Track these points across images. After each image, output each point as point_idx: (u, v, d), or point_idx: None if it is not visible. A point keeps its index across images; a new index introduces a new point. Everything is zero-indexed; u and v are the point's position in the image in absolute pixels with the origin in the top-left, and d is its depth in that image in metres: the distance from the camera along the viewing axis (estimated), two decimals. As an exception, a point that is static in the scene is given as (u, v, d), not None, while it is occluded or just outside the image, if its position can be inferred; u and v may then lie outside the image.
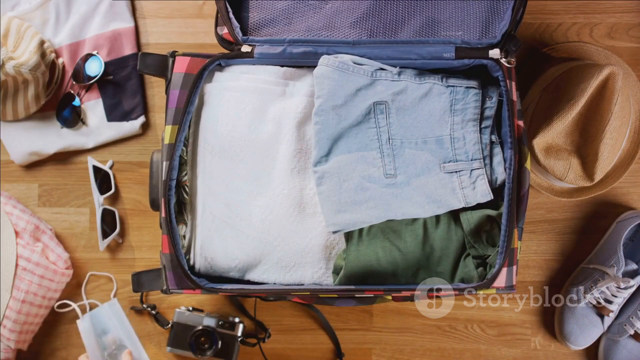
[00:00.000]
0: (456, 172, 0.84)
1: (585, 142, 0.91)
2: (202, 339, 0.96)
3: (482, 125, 0.84)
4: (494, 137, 0.85)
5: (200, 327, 0.96)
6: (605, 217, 1.02)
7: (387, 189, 0.84)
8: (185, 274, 0.82)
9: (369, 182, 0.84)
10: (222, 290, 0.82)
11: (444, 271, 0.86)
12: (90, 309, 1.02)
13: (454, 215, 0.87)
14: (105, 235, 1.01)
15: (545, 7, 1.03)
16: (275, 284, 0.87)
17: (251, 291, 0.83)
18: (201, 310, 1.00)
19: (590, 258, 1.00)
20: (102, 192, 1.01)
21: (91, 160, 1.01)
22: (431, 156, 0.84)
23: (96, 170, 1.01)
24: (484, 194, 0.84)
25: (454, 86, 0.84)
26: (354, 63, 0.84)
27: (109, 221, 1.02)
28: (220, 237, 0.87)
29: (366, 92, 0.84)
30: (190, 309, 0.99)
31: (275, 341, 1.02)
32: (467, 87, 0.84)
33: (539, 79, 0.98)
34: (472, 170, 0.84)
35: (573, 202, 1.02)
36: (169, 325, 0.99)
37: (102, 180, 1.02)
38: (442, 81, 0.84)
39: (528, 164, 0.82)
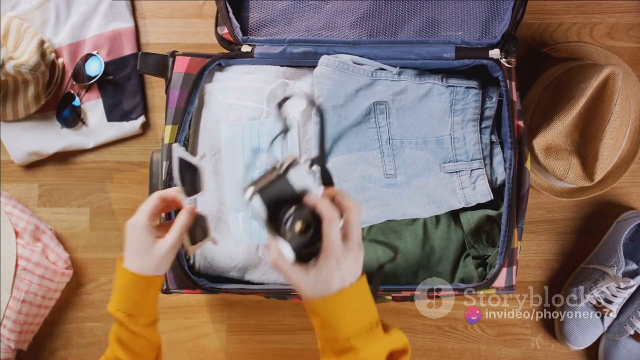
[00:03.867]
0: (456, 172, 0.84)
1: (585, 142, 0.91)
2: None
3: (482, 126, 0.84)
4: (493, 137, 0.85)
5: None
6: (605, 217, 1.01)
7: (387, 189, 0.84)
8: (185, 273, 0.82)
9: (369, 182, 0.84)
10: (222, 290, 0.82)
11: (444, 271, 0.86)
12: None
13: (454, 215, 0.87)
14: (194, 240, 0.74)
15: (545, 7, 1.03)
16: (275, 283, 0.87)
17: (251, 291, 0.83)
18: None
19: (590, 258, 1.00)
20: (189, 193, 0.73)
21: (177, 149, 0.71)
22: (431, 156, 0.84)
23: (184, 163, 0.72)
24: (484, 194, 0.84)
25: (454, 86, 0.84)
26: (354, 63, 0.84)
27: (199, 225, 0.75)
28: (220, 236, 0.87)
29: (366, 92, 0.84)
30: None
31: (275, 341, 1.02)
32: (467, 87, 0.84)
33: (539, 79, 0.98)
34: (472, 170, 0.84)
35: (573, 202, 1.02)
36: None
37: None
38: (442, 81, 0.84)
39: (528, 164, 0.82)
